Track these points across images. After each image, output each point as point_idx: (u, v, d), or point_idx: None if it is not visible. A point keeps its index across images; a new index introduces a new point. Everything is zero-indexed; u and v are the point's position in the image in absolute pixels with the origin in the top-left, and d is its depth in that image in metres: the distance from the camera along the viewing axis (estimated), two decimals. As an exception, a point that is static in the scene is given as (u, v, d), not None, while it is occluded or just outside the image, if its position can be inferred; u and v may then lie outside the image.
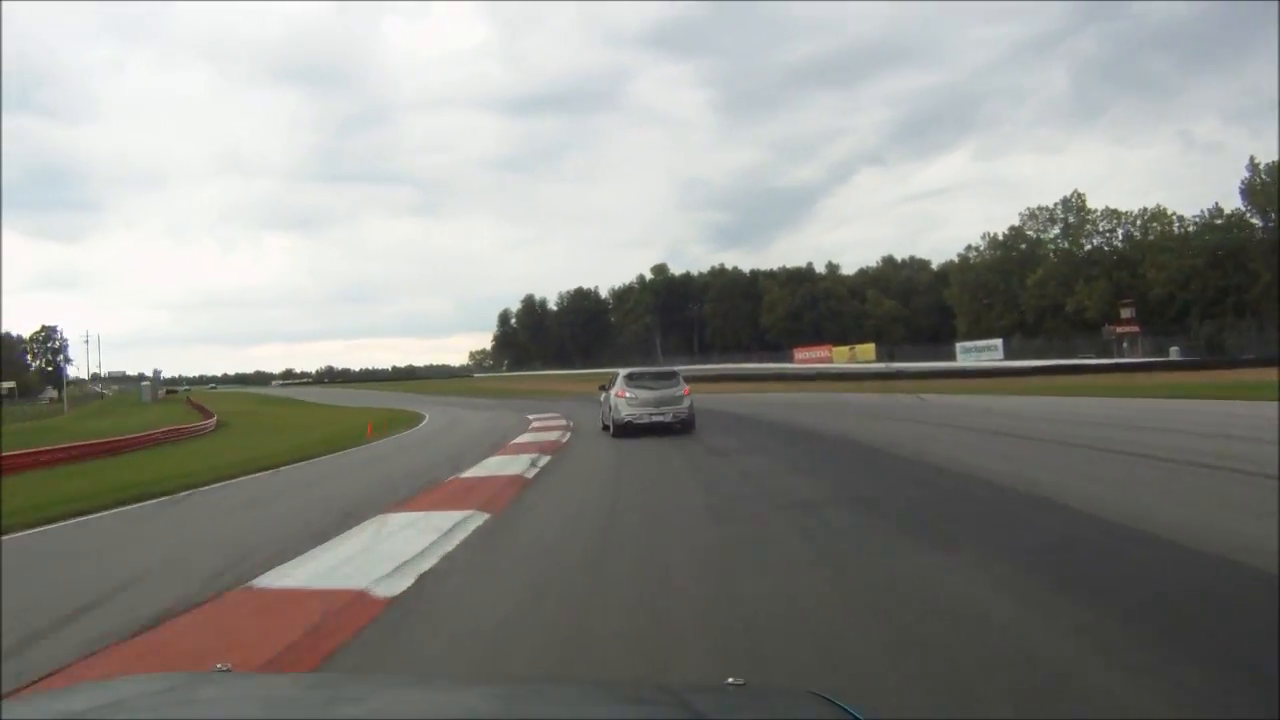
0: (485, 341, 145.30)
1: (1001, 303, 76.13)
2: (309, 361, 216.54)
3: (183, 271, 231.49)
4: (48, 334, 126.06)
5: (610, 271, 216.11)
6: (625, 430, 17.69)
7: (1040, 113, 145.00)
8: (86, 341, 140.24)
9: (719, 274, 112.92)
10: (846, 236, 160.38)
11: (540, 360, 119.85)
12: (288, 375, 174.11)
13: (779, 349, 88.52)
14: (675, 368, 22.81)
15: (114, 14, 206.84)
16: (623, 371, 19.23)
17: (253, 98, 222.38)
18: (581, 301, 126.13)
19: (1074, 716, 3.28)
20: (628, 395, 17.88)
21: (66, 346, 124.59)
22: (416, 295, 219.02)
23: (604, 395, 20.00)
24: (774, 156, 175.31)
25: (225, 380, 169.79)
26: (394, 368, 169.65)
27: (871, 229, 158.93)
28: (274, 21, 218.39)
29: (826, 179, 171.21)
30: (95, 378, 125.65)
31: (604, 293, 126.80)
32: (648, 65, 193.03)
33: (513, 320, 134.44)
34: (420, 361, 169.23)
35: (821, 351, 79.47)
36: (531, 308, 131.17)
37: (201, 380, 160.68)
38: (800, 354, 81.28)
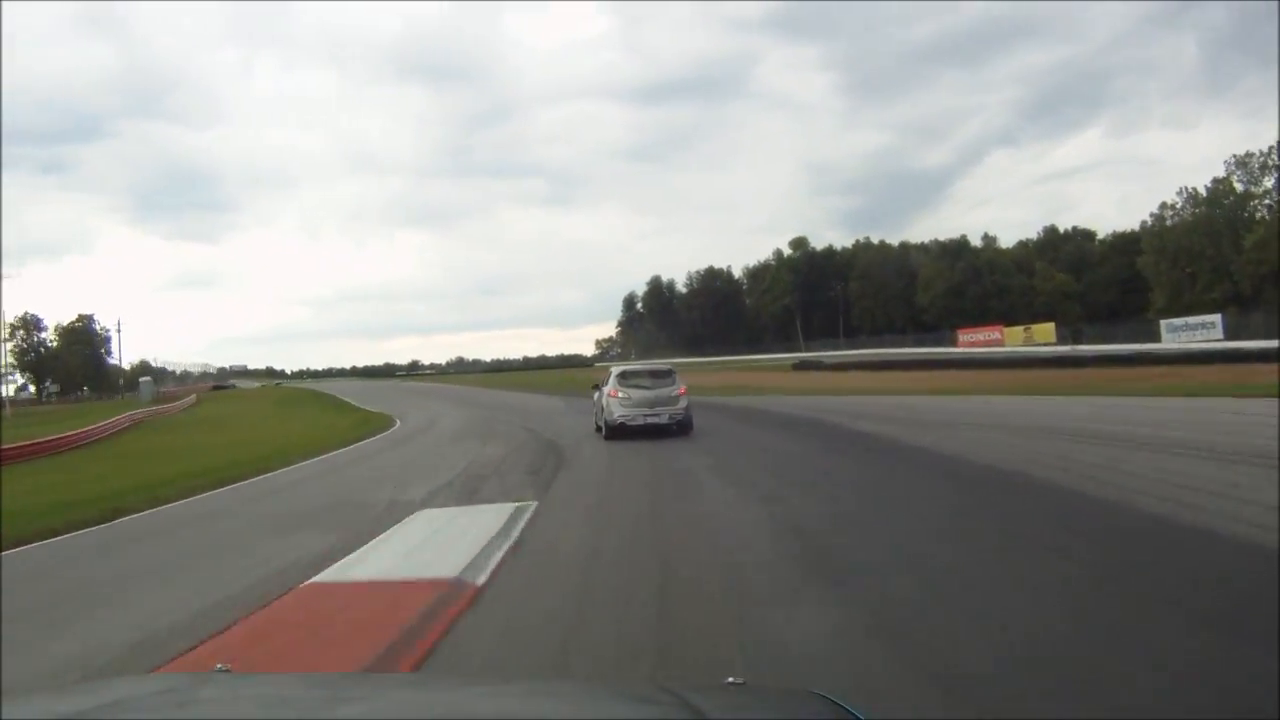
0: (613, 330, 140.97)
1: (1209, 271, 65.44)
2: (442, 353, 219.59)
3: (318, 268, 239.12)
4: (85, 323, 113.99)
5: (741, 257, 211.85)
6: (618, 432, 17.31)
7: (1172, 87, 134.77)
8: (118, 330, 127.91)
9: (865, 248, 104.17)
10: (982, 219, 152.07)
11: (669, 347, 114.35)
12: (413, 367, 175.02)
13: (936, 330, 79.75)
14: (671, 364, 21.56)
15: (236, 18, 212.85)
16: (615, 369, 18.94)
17: (378, 96, 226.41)
18: (712, 283, 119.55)
19: (1074, 716, 3.31)
20: (620, 395, 17.50)
21: (108, 339, 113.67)
22: (549, 286, 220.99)
23: (597, 394, 19.45)
24: (903, 139, 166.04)
25: (354, 373, 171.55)
26: (525, 358, 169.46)
27: (1007, 211, 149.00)
28: (394, 20, 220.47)
29: (958, 160, 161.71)
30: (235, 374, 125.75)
31: (737, 272, 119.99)
32: (771, 49, 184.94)
33: (639, 305, 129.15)
34: (554, 351, 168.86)
35: (991, 333, 70.56)
36: (659, 290, 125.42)
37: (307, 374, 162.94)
38: (965, 336, 72.48)
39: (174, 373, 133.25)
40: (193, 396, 74.83)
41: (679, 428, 17.35)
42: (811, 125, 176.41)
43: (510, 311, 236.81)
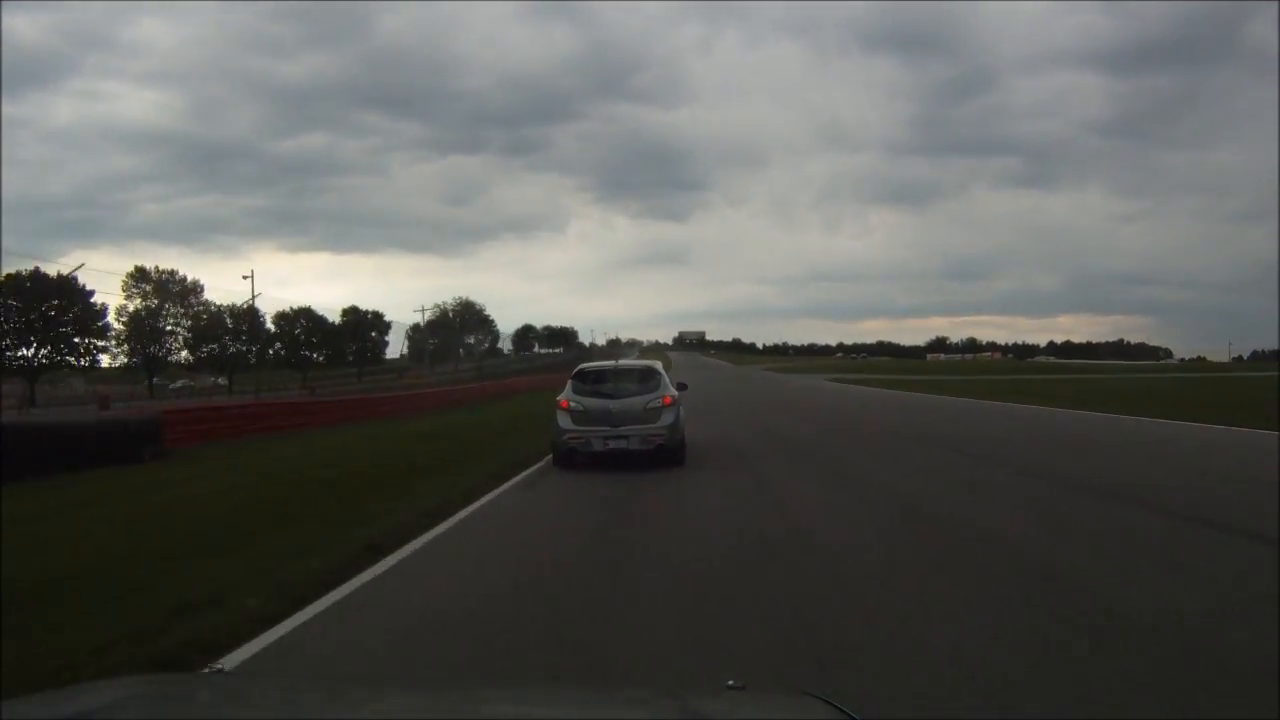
0: (1094, 325, 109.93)
1: None
2: (910, 337, 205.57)
3: (788, 246, 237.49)
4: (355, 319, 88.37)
5: (1217, 250, 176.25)
6: (568, 460, 12.90)
7: None
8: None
9: None
10: None
11: None
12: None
13: None
14: (654, 362, 15.75)
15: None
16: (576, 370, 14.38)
17: (847, 68, 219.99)
18: None
19: (1073, 716, 3.44)
20: (572, 405, 13.00)
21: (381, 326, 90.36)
22: (1022, 272, 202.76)
23: None
24: None
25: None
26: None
27: None
28: None
29: None
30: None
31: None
32: (1262, 2, 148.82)
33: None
34: (1028, 340, 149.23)
35: None
36: None
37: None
38: None
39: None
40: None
41: (662, 455, 12.64)
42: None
43: (980, 297, 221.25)
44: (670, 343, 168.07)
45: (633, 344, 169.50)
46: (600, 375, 13.90)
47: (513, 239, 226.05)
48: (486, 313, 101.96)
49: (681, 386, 14.52)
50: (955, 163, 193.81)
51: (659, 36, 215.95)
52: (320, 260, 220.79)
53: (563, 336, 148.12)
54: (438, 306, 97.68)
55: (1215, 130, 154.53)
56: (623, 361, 16.68)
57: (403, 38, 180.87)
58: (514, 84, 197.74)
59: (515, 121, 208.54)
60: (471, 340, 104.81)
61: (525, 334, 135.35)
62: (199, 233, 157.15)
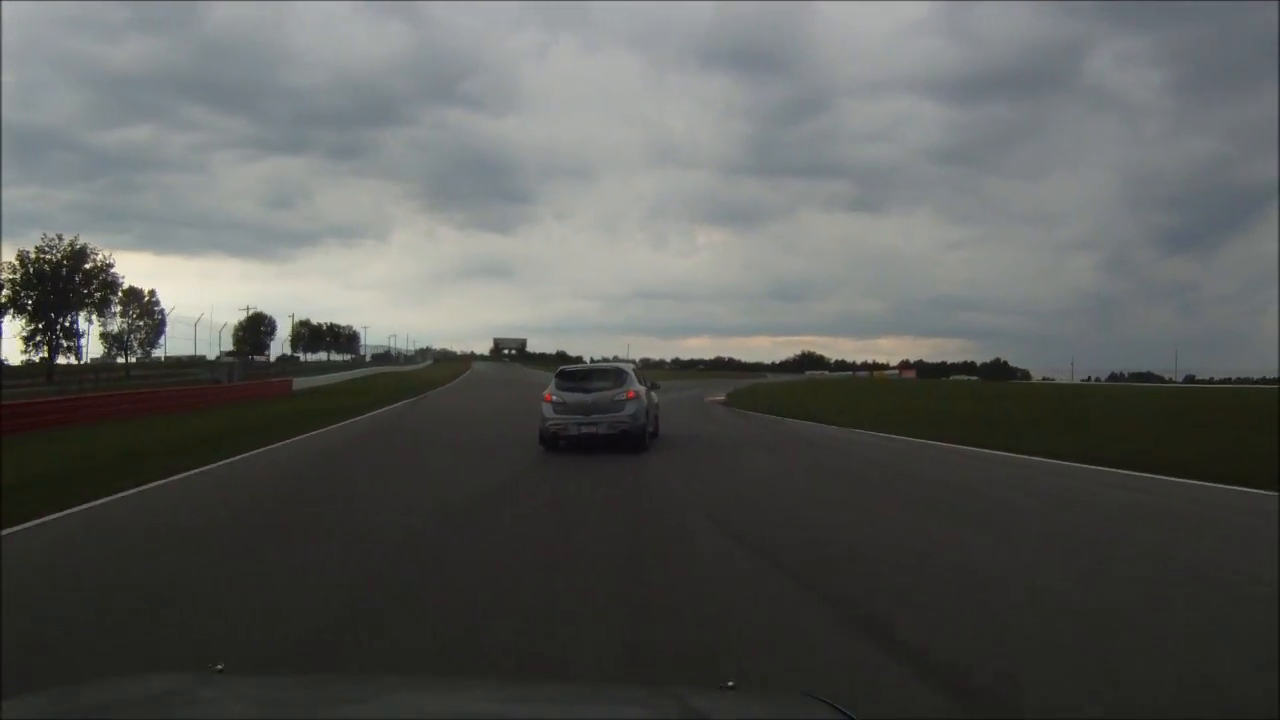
0: (914, 347, 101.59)
1: None
2: (736, 355, 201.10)
3: (613, 263, 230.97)
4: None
5: (1048, 281, 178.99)
6: (552, 443, 15.15)
7: None
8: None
9: None
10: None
11: None
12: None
13: None
14: (623, 364, 18.24)
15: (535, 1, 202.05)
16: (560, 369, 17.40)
17: (683, 84, 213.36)
18: None
19: (1077, 716, 3.29)
20: (554, 399, 15.39)
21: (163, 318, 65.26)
22: (848, 295, 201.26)
23: None
24: (1237, 147, 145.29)
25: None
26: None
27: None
28: (702, 2, 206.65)
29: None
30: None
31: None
32: (1104, 38, 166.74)
33: None
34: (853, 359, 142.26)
35: None
36: None
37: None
38: None
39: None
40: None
41: (626, 440, 14.83)
42: (1138, 128, 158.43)
43: (805, 318, 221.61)
44: (487, 353, 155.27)
45: (446, 354, 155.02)
46: (577, 374, 16.31)
47: (336, 246, 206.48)
48: (117, 272, 54.84)
49: (654, 386, 17.14)
50: (787, 184, 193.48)
51: (495, 40, 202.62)
52: (142, 261, 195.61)
53: (332, 337, 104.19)
54: (21, 254, 49.40)
55: (1049, 160, 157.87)
56: (597, 363, 19.94)
57: (234, 27, 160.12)
58: (344, 83, 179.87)
59: (343, 123, 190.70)
60: (111, 326, 63.04)
61: (255, 326, 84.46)
62: (18, 227, 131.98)
